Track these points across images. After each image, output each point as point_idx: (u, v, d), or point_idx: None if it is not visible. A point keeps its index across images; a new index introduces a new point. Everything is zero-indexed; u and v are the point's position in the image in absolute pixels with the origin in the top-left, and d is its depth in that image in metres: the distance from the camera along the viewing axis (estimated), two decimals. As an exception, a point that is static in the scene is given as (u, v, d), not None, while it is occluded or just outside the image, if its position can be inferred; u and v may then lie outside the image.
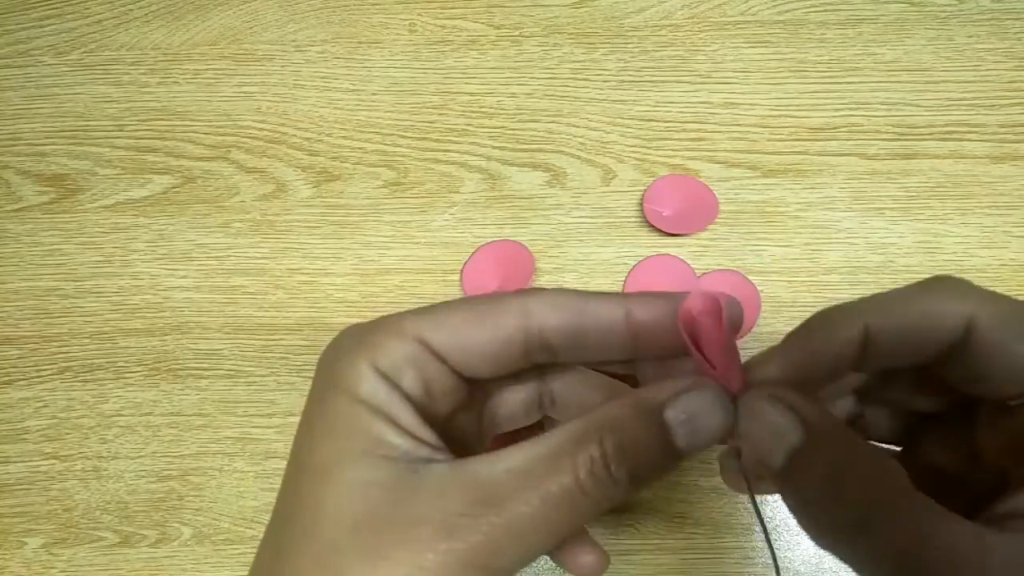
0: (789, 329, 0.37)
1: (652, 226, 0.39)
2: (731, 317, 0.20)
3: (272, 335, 0.39)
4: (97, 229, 0.41)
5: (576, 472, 0.18)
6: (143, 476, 0.38)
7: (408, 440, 0.19)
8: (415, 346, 0.20)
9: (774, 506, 0.35)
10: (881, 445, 0.24)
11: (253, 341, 0.39)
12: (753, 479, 0.21)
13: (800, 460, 0.18)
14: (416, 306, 0.38)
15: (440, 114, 0.41)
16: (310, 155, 0.41)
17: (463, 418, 0.23)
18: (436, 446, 0.20)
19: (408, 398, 0.20)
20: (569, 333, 0.21)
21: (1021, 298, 0.37)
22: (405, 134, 0.41)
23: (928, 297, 0.19)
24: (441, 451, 0.19)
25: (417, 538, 0.17)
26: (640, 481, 0.19)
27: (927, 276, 0.37)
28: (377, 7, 0.44)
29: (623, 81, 0.41)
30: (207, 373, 0.39)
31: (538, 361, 0.22)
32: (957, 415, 0.22)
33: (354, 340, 0.20)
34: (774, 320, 0.37)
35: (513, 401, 0.24)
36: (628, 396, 0.19)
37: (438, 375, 0.21)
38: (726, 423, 0.19)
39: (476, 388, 0.22)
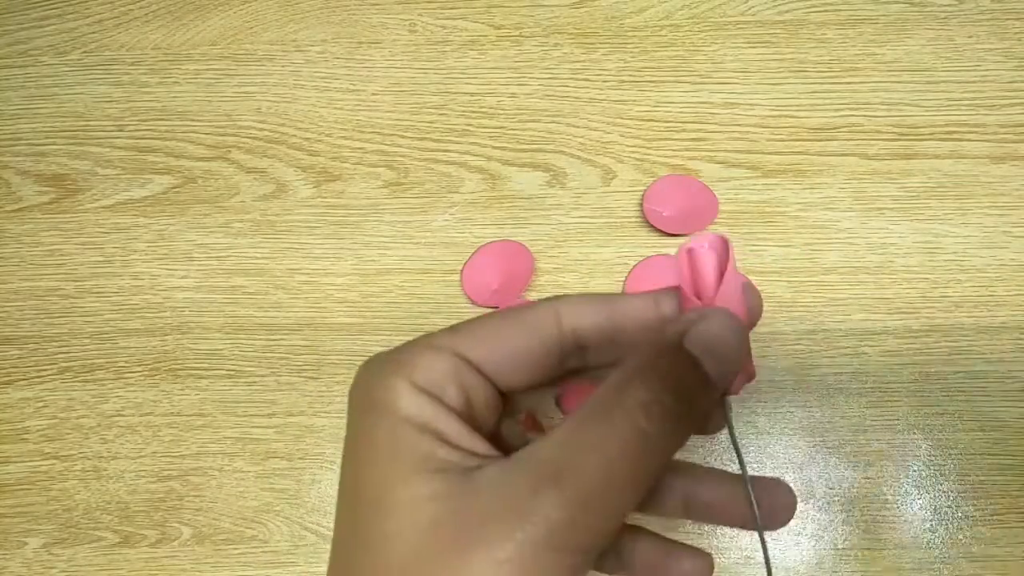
0: (789, 329, 0.37)
1: (652, 226, 0.39)
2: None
3: (272, 335, 0.39)
4: (97, 229, 0.41)
5: (632, 420, 0.17)
6: (143, 476, 0.38)
7: (458, 453, 0.19)
8: (452, 360, 0.20)
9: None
10: None
11: (253, 341, 0.39)
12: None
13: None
14: (417, 307, 0.38)
15: (440, 114, 0.41)
16: (310, 155, 0.41)
17: (508, 433, 0.22)
18: (487, 455, 0.19)
19: (453, 411, 0.19)
20: (602, 331, 0.21)
21: (1021, 298, 0.37)
22: (405, 134, 0.41)
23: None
24: (493, 458, 0.19)
25: (489, 535, 0.17)
26: (694, 414, 0.19)
27: (927, 276, 0.37)
28: (377, 7, 0.44)
29: (623, 81, 0.41)
30: (207, 373, 0.39)
31: (571, 366, 0.22)
32: None
33: (386, 362, 0.20)
34: (774, 320, 0.37)
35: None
36: (649, 341, 0.19)
37: (478, 388, 0.20)
38: (741, 342, 0.19)
39: (513, 403, 0.22)
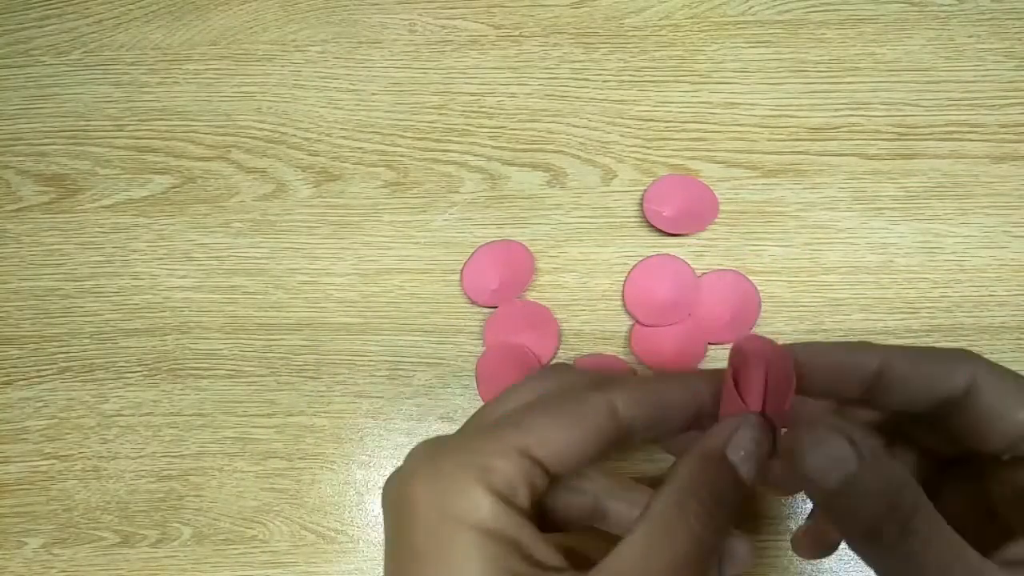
0: (789, 328, 0.37)
1: (652, 226, 0.39)
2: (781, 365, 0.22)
3: (272, 335, 0.39)
4: (97, 229, 0.41)
5: (691, 531, 0.19)
6: (143, 476, 0.38)
7: (533, 568, 0.19)
8: (522, 461, 0.20)
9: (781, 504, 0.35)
10: None
11: (253, 341, 0.39)
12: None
13: (852, 483, 0.20)
14: (417, 307, 0.38)
15: (440, 114, 0.41)
16: (310, 155, 0.41)
17: (552, 503, 0.23)
18: (559, 567, 0.20)
19: (525, 515, 0.20)
20: (653, 421, 0.22)
21: (1021, 298, 0.37)
22: (405, 134, 0.41)
23: (941, 356, 0.22)
24: (563, 570, 0.20)
25: None
26: (734, 511, 0.21)
27: (927, 276, 0.37)
28: (377, 7, 0.44)
29: (623, 81, 0.41)
30: (207, 373, 0.39)
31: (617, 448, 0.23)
32: (973, 464, 0.24)
33: (459, 464, 0.20)
34: (774, 320, 0.37)
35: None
36: (695, 450, 0.21)
37: (542, 485, 0.21)
38: (769, 449, 0.22)
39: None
